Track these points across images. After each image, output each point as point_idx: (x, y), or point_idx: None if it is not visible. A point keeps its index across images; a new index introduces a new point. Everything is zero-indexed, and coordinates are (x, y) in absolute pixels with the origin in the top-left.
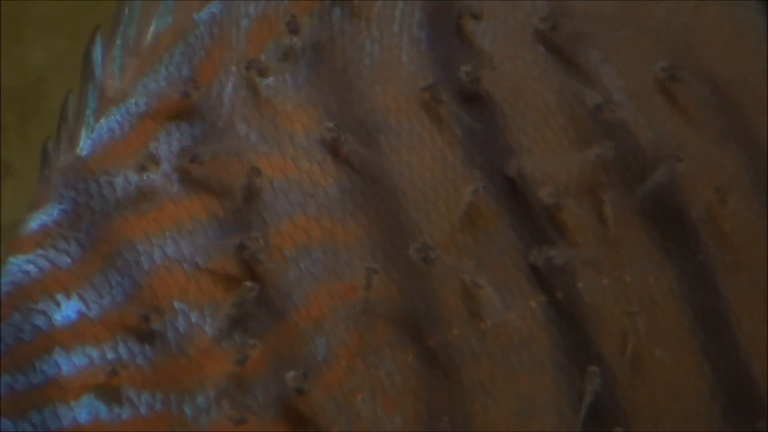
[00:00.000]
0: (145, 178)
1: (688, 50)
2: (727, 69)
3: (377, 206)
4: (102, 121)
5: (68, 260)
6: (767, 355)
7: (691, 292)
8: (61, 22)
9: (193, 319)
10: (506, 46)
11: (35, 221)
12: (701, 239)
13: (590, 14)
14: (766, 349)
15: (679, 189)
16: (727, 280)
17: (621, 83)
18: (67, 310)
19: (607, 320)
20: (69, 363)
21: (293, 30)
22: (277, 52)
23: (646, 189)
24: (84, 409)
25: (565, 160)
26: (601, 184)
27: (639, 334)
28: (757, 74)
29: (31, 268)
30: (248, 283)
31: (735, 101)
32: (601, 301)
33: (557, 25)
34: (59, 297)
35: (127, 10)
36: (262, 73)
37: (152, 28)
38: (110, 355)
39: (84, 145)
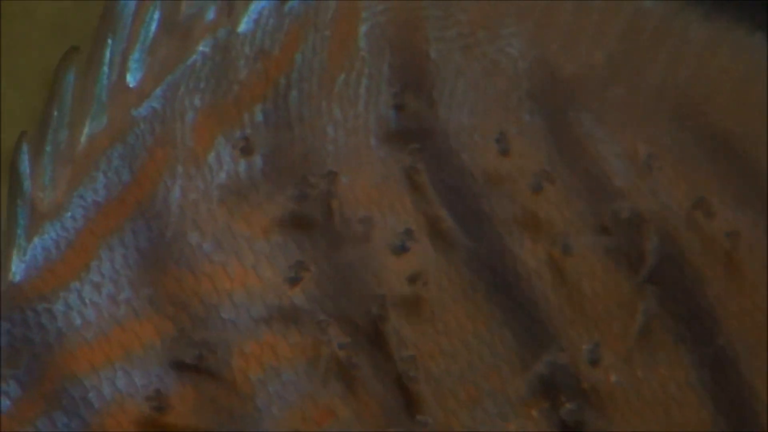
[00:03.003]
0: (87, 302)
1: (691, 105)
2: (735, 121)
3: (352, 313)
4: (35, 240)
5: (7, 403)
6: None
7: (713, 381)
8: None
9: None
10: (486, 119)
11: None
12: (719, 319)
13: (579, 74)
14: None
15: (691, 266)
16: (750, 363)
17: (617, 149)
18: None
19: (617, 422)
20: None
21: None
22: (228, 146)
23: (649, 271)
24: None
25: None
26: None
27: None
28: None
29: None
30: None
31: (746, 157)
32: (609, 402)
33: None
34: None
35: (55, 112)
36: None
37: (85, 130)
38: None
39: (17, 269)
